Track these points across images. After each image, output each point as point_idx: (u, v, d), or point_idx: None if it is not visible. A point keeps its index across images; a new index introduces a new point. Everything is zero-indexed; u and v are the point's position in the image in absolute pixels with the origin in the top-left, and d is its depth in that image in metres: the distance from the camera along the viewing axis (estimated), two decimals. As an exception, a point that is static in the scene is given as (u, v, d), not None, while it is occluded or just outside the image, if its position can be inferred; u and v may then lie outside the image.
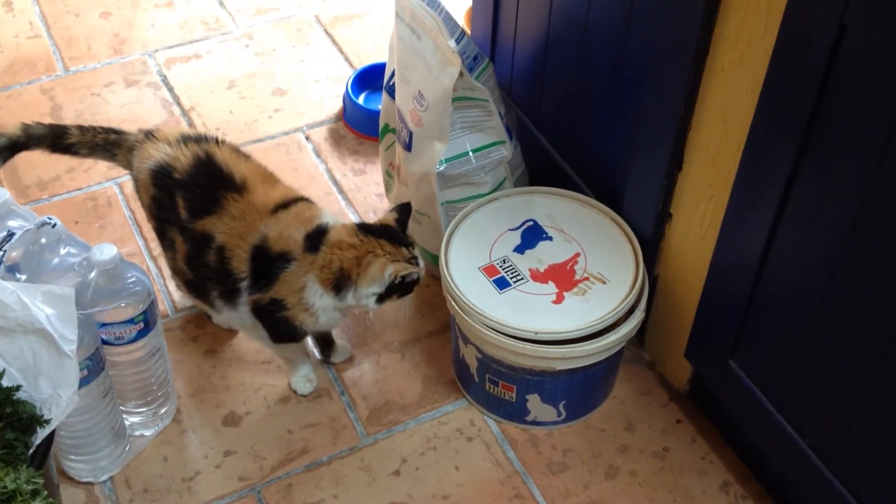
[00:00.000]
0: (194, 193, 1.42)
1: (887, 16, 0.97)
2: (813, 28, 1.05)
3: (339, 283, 1.38)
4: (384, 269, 1.38)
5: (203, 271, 1.43)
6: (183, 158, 1.43)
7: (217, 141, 1.47)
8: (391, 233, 1.42)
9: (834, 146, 1.09)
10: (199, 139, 1.47)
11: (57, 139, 1.53)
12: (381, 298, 1.41)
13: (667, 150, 1.38)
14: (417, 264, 1.42)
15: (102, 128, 1.54)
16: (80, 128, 1.54)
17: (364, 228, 1.41)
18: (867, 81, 1.02)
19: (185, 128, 1.52)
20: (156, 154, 1.46)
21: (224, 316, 1.49)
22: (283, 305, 1.40)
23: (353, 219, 1.86)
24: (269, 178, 1.46)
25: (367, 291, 1.39)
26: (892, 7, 0.96)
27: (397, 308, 1.49)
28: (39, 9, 2.32)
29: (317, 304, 1.40)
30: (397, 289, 1.40)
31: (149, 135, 1.49)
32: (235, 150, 1.47)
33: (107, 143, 1.53)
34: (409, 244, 1.43)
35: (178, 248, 1.44)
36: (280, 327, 1.44)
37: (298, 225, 1.40)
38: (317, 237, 1.39)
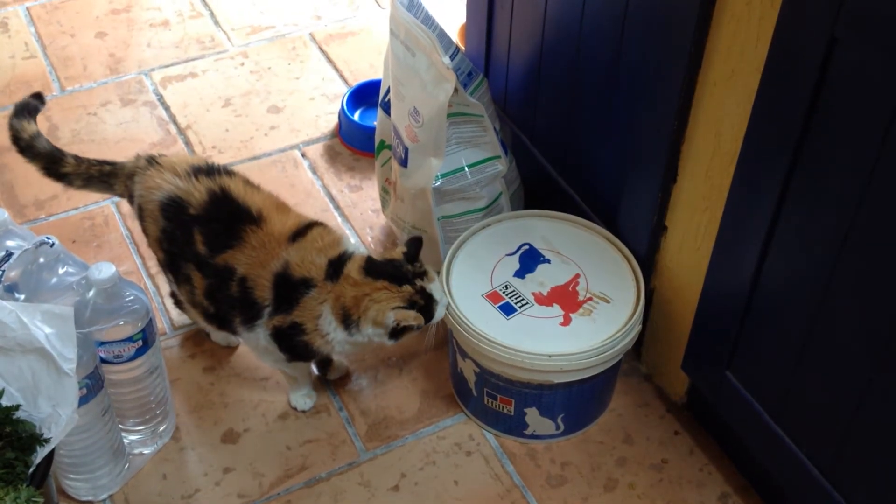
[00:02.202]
0: (213, 229, 1.42)
1: (877, 28, 0.98)
2: (804, 41, 1.06)
3: (345, 320, 1.39)
4: (385, 315, 1.37)
5: (226, 302, 1.43)
6: (197, 194, 1.43)
7: (228, 172, 1.47)
8: (393, 269, 1.40)
9: (826, 158, 1.10)
10: (210, 171, 1.46)
11: (53, 163, 1.54)
12: (393, 336, 1.40)
13: (661, 164, 1.39)
14: (424, 298, 1.39)
15: (96, 160, 1.55)
16: (76, 158, 1.55)
17: (368, 266, 1.40)
18: (858, 93, 1.03)
19: (188, 156, 1.52)
20: (165, 185, 1.45)
21: (242, 338, 1.50)
22: (302, 330, 1.41)
23: (349, 236, 1.87)
24: (282, 207, 1.47)
25: (376, 331, 1.39)
26: (882, 19, 0.97)
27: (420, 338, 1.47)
28: (35, 29, 2.33)
29: (331, 334, 1.40)
30: (410, 329, 1.39)
31: (152, 161, 1.49)
32: (247, 182, 1.48)
33: (102, 174, 1.53)
34: (414, 277, 1.39)
35: (197, 283, 1.44)
36: (298, 349, 1.44)
37: (320, 251, 1.41)
38: (339, 266, 1.40)
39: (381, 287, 1.38)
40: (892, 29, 0.97)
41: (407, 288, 1.39)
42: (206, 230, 1.42)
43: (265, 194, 1.47)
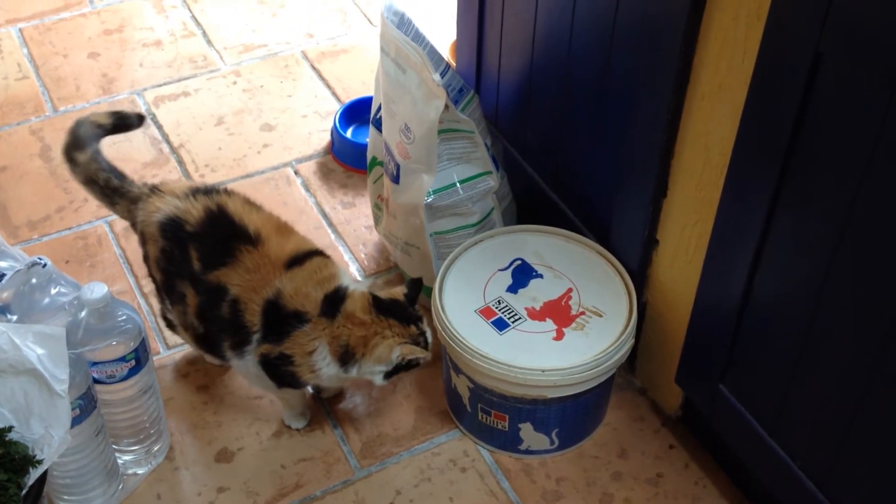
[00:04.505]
0: (208, 245, 1.42)
1: (860, 42, 0.99)
2: (789, 56, 1.07)
3: (345, 358, 1.39)
4: (391, 351, 1.38)
5: (216, 324, 1.43)
6: (194, 211, 1.43)
7: (227, 192, 1.47)
8: (400, 310, 1.42)
9: (814, 171, 1.11)
10: (209, 191, 1.46)
11: (73, 146, 1.51)
12: (388, 376, 1.41)
13: (651, 178, 1.40)
14: (425, 341, 1.42)
15: (110, 166, 1.52)
16: (96, 155, 1.51)
17: (377, 304, 1.40)
18: (844, 106, 1.04)
19: (191, 182, 1.52)
20: (164, 207, 1.45)
21: (233, 365, 1.49)
22: (291, 361, 1.40)
23: (342, 252, 1.87)
24: (283, 229, 1.46)
25: (372, 369, 1.40)
26: (865, 34, 0.98)
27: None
28: (28, 50, 2.33)
29: (323, 370, 1.40)
30: (403, 368, 1.41)
31: (154, 189, 1.49)
32: (247, 202, 1.47)
33: (107, 185, 1.50)
34: (417, 320, 1.42)
35: (189, 301, 1.44)
36: (286, 378, 1.44)
37: (316, 284, 1.40)
38: (335, 302, 1.39)
39: (390, 325, 1.40)
40: (875, 43, 0.97)
41: (412, 329, 1.41)
42: (201, 246, 1.42)
43: (266, 214, 1.47)
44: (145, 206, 1.47)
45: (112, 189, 1.51)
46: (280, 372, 1.42)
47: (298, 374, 1.41)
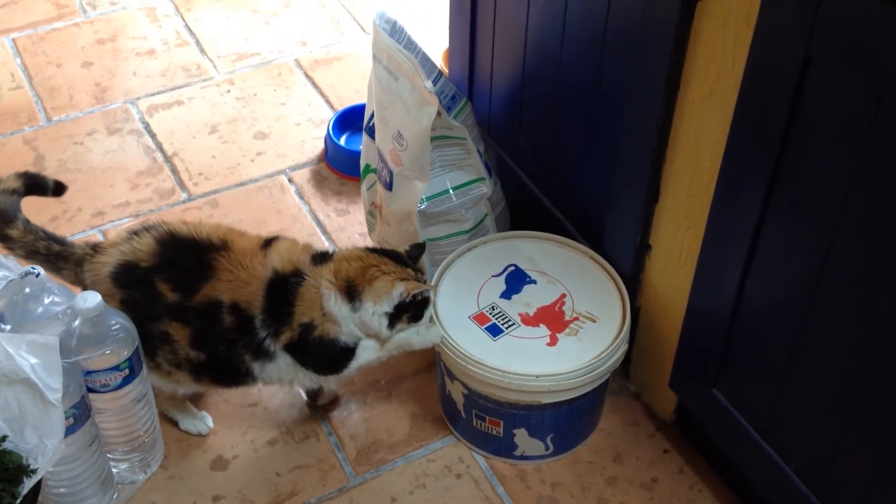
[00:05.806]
0: (180, 270, 1.40)
1: (850, 47, 1.00)
2: (779, 61, 1.08)
3: (350, 293, 1.39)
4: (393, 286, 1.38)
5: (224, 341, 1.40)
6: (143, 246, 1.41)
7: (163, 222, 1.45)
8: (397, 255, 1.45)
9: (805, 175, 1.11)
10: (148, 228, 1.44)
11: (1, 219, 1.45)
12: (392, 321, 1.41)
13: (643, 183, 1.40)
14: (425, 283, 1.44)
15: (47, 234, 1.46)
16: (28, 226, 1.46)
17: (369, 249, 1.45)
18: (834, 111, 1.05)
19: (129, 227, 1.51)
20: (109, 259, 1.42)
21: (264, 378, 1.45)
22: (311, 326, 1.39)
23: (337, 259, 1.88)
24: (237, 230, 1.46)
25: (375, 309, 1.39)
26: (855, 38, 0.99)
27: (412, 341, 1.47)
28: (21, 60, 2.34)
29: (337, 313, 1.39)
30: (408, 308, 1.41)
31: (96, 247, 1.45)
32: (184, 222, 1.45)
33: (49, 254, 1.44)
34: (415, 269, 1.44)
35: (178, 335, 1.40)
36: (320, 354, 1.42)
37: (300, 251, 1.43)
38: (324, 257, 1.43)
39: (385, 262, 1.42)
40: (865, 47, 0.98)
41: (410, 271, 1.43)
42: (171, 276, 1.40)
43: (213, 224, 1.46)
44: (91, 266, 1.43)
45: (55, 255, 1.45)
46: (310, 347, 1.40)
47: (325, 333, 1.39)
